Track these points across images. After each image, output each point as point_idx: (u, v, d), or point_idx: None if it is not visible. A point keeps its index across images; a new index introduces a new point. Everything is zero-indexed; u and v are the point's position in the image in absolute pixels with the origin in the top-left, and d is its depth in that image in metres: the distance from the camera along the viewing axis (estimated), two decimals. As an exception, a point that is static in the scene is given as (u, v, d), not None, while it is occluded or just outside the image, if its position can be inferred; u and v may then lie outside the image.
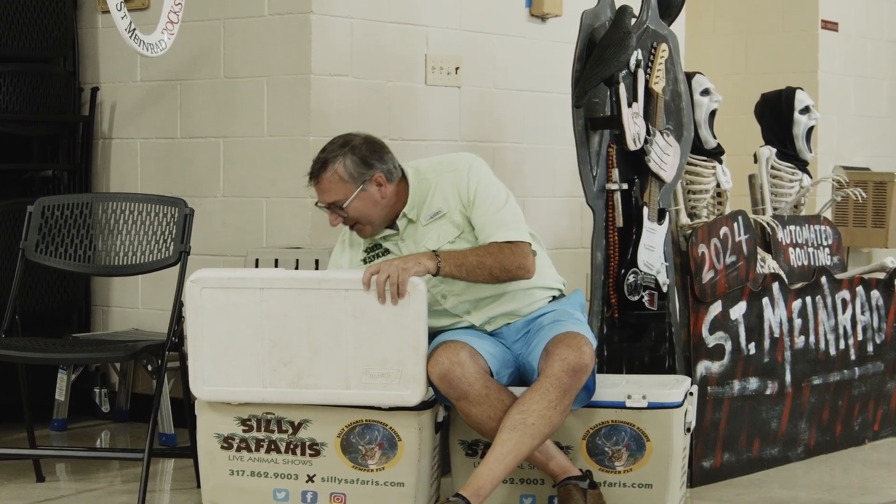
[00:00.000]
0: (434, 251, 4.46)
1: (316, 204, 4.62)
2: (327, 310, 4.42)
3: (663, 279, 5.34)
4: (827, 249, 6.42)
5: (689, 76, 5.79)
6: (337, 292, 4.41)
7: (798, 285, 5.81)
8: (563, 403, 4.35)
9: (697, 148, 5.83)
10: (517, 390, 4.48)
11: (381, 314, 4.39)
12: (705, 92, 5.85)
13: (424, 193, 4.60)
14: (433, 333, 4.53)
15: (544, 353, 4.42)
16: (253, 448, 4.54)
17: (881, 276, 6.27)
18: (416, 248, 4.57)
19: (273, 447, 4.54)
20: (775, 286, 5.60)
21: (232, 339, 4.46)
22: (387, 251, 4.63)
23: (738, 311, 5.41)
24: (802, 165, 6.47)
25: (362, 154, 4.53)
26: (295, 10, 5.93)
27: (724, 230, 5.43)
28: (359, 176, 4.51)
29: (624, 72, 5.26)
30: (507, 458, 4.32)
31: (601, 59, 5.12)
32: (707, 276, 5.30)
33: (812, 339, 5.76)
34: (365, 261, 4.64)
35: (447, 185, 4.58)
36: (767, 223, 6.10)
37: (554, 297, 4.71)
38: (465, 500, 4.26)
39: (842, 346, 5.91)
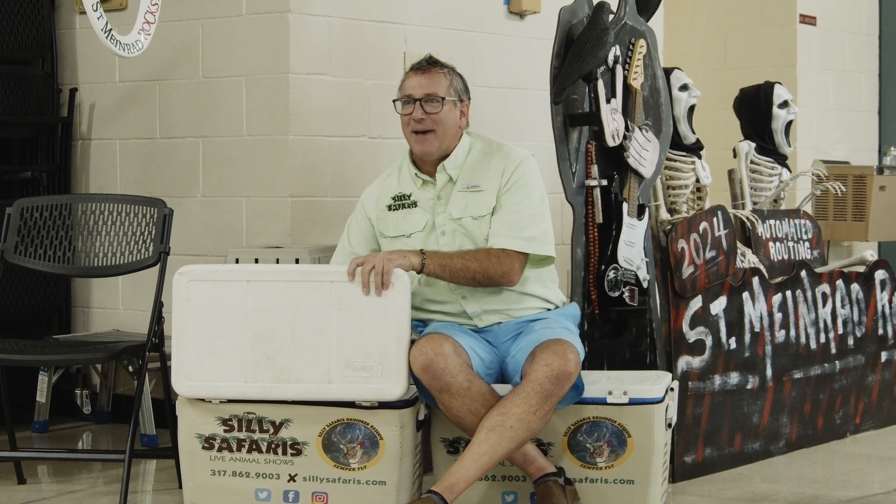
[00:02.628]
0: (421, 250, 4.49)
1: (395, 100, 4.69)
2: (313, 302, 4.43)
3: (643, 275, 5.34)
4: (807, 243, 6.43)
5: (668, 71, 5.80)
6: (322, 284, 4.44)
7: (778, 279, 5.82)
8: (544, 409, 4.36)
9: (676, 143, 5.84)
10: (499, 388, 4.49)
11: (365, 306, 4.40)
12: (684, 87, 5.86)
13: (472, 161, 4.70)
14: (431, 310, 4.65)
15: (530, 357, 4.43)
16: (234, 448, 4.54)
17: (861, 269, 6.28)
18: (444, 209, 4.64)
19: (254, 447, 4.53)
20: (755, 281, 5.60)
21: (216, 334, 4.47)
22: (414, 204, 4.69)
23: (718, 305, 5.42)
24: (782, 160, 6.48)
25: (465, 82, 4.78)
26: (273, 9, 5.92)
27: (703, 225, 5.43)
28: (460, 93, 4.71)
29: (602, 68, 5.26)
30: (483, 458, 4.32)
31: (579, 56, 5.13)
32: (687, 271, 5.31)
33: (793, 333, 5.76)
34: (390, 207, 4.72)
35: (495, 167, 4.67)
36: (747, 218, 6.11)
37: (548, 310, 4.74)
38: (439, 496, 4.27)
39: (822, 339, 5.92)
